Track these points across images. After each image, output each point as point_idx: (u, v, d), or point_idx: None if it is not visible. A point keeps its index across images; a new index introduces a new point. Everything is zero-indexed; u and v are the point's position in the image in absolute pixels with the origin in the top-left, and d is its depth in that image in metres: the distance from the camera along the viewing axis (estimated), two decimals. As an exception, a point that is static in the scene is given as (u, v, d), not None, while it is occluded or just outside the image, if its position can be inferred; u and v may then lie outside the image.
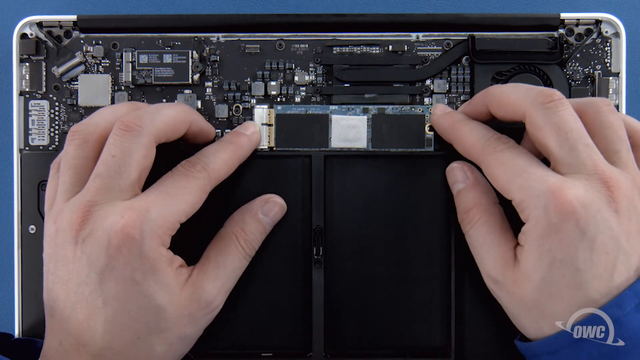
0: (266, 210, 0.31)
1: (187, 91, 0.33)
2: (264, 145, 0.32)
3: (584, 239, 0.26)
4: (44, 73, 0.33)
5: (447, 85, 0.33)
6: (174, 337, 0.28)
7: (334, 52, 0.33)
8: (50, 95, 0.33)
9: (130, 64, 0.33)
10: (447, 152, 0.32)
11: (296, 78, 0.33)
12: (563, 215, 0.26)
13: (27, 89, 0.33)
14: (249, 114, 0.33)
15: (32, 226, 0.33)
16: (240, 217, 0.31)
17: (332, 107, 0.33)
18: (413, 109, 0.33)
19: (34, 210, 0.33)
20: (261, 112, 0.33)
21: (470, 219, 0.30)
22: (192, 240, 0.31)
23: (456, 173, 0.31)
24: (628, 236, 0.26)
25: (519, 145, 0.29)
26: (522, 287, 0.27)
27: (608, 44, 0.33)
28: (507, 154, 0.28)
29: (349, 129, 0.33)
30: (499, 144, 0.29)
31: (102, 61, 0.33)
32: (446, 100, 0.33)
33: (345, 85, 0.33)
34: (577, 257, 0.26)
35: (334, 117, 0.33)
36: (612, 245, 0.26)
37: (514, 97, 0.29)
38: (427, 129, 0.33)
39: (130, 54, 0.33)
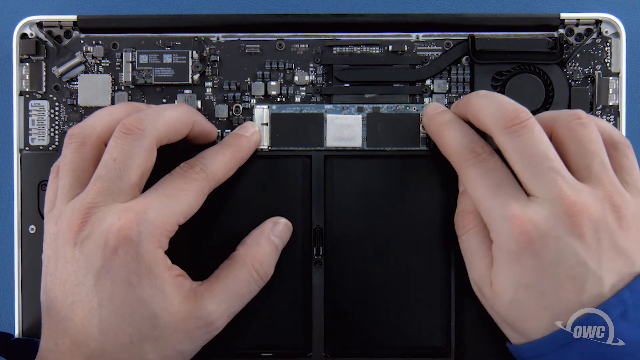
0: (277, 231, 0.31)
1: (187, 91, 0.33)
2: (264, 145, 0.33)
3: (543, 266, 0.26)
4: (44, 73, 0.33)
5: (447, 85, 0.33)
6: (169, 349, 0.27)
7: (334, 52, 0.33)
8: (50, 95, 0.33)
9: (130, 64, 0.33)
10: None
11: (296, 78, 0.33)
12: (520, 244, 0.26)
13: (27, 89, 0.33)
14: (249, 114, 0.33)
15: (32, 226, 0.33)
16: (254, 240, 0.30)
17: (327, 106, 0.33)
18: (408, 108, 0.33)
19: (34, 211, 0.33)
20: (261, 112, 0.33)
21: (465, 224, 0.30)
22: (192, 243, 0.31)
23: None
24: (599, 258, 0.26)
25: (494, 154, 0.28)
26: (497, 304, 0.28)
27: (608, 44, 0.33)
28: (477, 171, 0.28)
29: (344, 128, 0.33)
30: (472, 157, 0.28)
31: (102, 61, 0.33)
32: (446, 100, 0.33)
33: (345, 85, 0.33)
34: (540, 282, 0.26)
35: (329, 116, 0.33)
36: (580, 270, 0.26)
37: (485, 114, 0.28)
38: (421, 127, 0.33)
39: (130, 54, 0.33)
